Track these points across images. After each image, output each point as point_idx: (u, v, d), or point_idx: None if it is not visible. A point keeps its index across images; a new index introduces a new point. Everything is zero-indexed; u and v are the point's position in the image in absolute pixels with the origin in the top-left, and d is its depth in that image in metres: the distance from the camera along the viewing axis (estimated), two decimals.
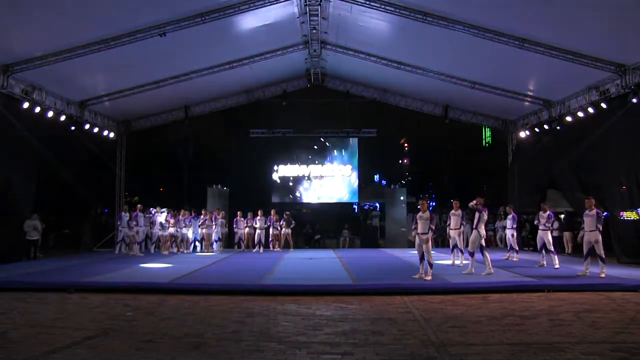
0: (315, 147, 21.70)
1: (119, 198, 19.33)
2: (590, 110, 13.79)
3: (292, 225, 17.49)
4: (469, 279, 9.58)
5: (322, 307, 7.30)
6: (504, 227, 15.22)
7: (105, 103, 16.59)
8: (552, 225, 11.88)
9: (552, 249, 11.43)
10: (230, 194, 19.22)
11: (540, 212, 11.73)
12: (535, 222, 12.02)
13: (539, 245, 11.78)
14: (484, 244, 10.36)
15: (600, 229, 9.70)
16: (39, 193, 14.10)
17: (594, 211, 9.80)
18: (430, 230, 9.50)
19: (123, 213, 15.78)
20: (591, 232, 9.76)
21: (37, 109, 13.71)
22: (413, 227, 9.96)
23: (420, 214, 9.72)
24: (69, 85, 14.57)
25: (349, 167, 21.44)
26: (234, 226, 17.37)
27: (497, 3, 11.42)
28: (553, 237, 11.93)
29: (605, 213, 12.77)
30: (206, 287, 8.97)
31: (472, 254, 10.28)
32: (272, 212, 17.66)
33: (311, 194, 21.60)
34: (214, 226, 16.68)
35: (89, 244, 17.90)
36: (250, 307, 7.26)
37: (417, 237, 9.67)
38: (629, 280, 9.08)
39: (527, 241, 17.34)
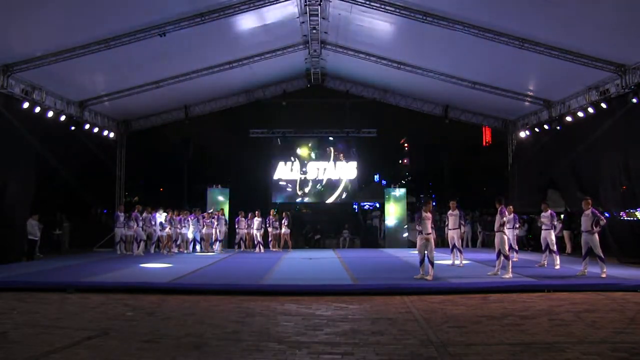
0: (315, 147, 21.69)
1: (119, 198, 19.32)
2: (590, 110, 13.78)
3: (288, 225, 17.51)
4: (469, 279, 9.58)
5: (322, 307, 7.29)
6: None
7: (105, 103, 16.59)
8: (554, 225, 11.86)
9: (554, 249, 11.43)
10: (230, 194, 19.23)
11: (542, 212, 11.72)
12: (539, 223, 12.03)
13: (543, 245, 11.77)
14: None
15: (597, 229, 9.68)
16: (38, 193, 14.07)
17: (590, 211, 9.79)
18: (433, 230, 9.51)
19: (119, 213, 15.72)
20: (588, 233, 9.76)
21: (37, 109, 13.71)
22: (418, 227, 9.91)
23: (424, 214, 9.67)
24: (69, 85, 14.58)
25: (349, 167, 21.43)
26: (236, 226, 17.36)
27: (497, 3, 11.43)
28: (556, 237, 11.90)
29: (606, 214, 12.78)
30: (206, 287, 8.96)
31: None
32: (271, 212, 17.65)
33: (311, 194, 21.59)
34: (215, 225, 16.63)
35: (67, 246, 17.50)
36: (250, 307, 7.25)
37: (419, 237, 9.66)
38: (629, 280, 9.07)
39: (527, 241, 17.32)
